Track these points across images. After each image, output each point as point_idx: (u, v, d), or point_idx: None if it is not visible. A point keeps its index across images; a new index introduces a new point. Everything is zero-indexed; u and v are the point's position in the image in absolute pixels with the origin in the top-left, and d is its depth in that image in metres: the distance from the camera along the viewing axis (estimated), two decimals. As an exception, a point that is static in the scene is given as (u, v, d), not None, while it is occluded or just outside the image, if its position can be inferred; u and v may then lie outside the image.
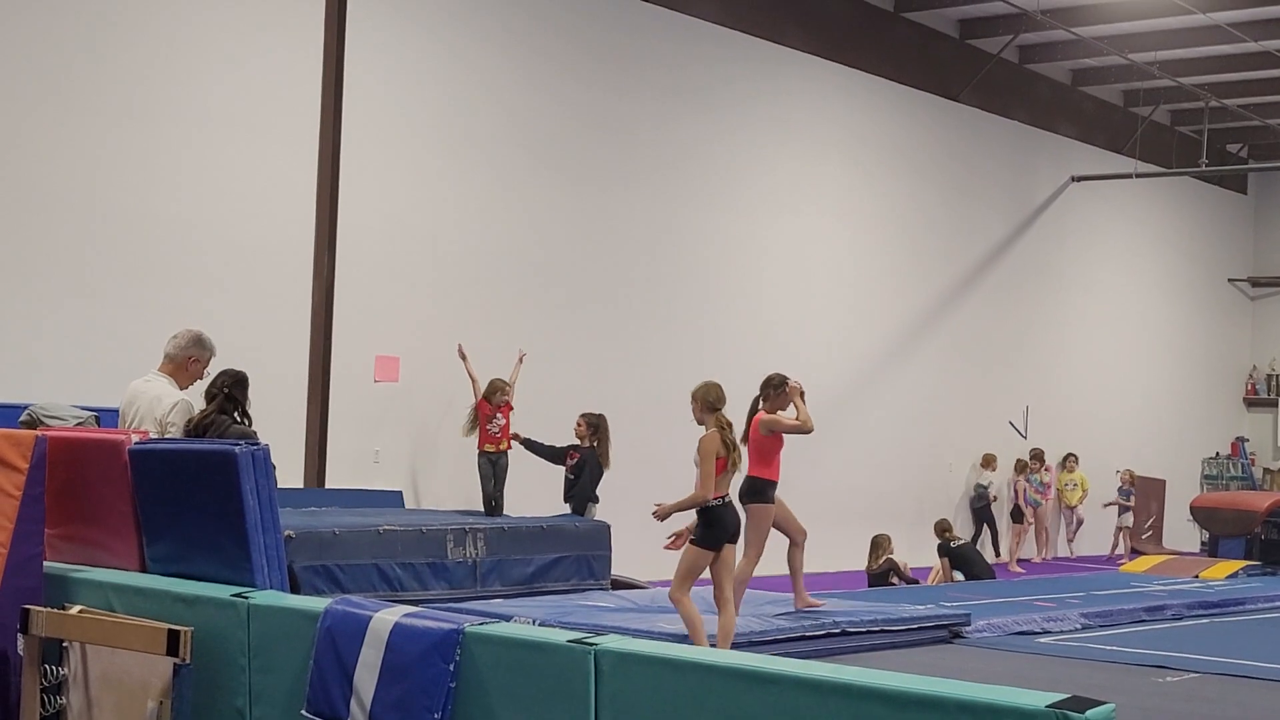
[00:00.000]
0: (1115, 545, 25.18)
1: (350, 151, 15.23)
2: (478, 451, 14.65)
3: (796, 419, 11.32)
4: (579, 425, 15.00)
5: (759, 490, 11.12)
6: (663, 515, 10.14)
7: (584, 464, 14.80)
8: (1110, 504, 25.26)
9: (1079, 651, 11.35)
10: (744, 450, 10.60)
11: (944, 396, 23.31)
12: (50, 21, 13.34)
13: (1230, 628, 13.31)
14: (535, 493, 15.19)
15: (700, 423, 10.21)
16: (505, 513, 14.46)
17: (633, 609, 11.52)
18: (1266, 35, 22.48)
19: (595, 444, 14.80)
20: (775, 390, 11.33)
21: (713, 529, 9.80)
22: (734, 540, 10.00)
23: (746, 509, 10.90)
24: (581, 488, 14.80)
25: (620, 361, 18.24)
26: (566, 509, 14.84)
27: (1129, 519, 25.09)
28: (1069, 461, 25.11)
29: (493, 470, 14.54)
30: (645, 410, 17.97)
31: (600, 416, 14.94)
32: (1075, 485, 25.02)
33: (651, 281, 18.73)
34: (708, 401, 10.00)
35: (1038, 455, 24.16)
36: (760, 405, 11.33)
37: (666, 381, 18.70)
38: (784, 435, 11.26)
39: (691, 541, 9.83)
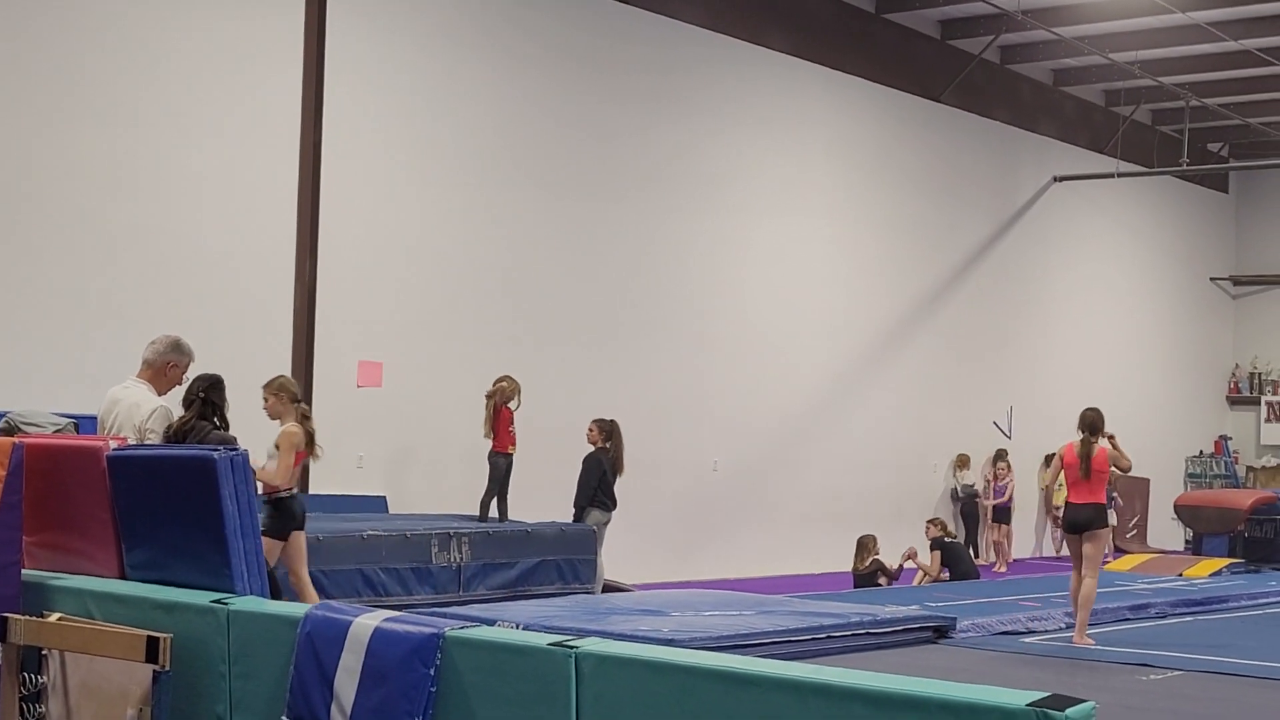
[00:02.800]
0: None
1: (331, 157, 15.23)
2: (500, 453, 14.50)
3: (1125, 459, 12.37)
4: (590, 430, 14.97)
5: (1103, 515, 12.13)
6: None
7: (587, 467, 14.75)
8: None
9: (1063, 651, 11.36)
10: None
11: (928, 397, 23.33)
12: (31, 31, 13.29)
13: (1214, 625, 13.34)
14: (527, 497, 15.13)
15: (275, 416, 10.55)
16: (492, 516, 14.41)
17: (617, 611, 11.49)
18: (1246, 34, 22.53)
19: (608, 449, 14.76)
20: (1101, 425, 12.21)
21: (282, 518, 10.20)
22: (301, 526, 10.47)
23: (1092, 534, 11.87)
24: (581, 492, 14.74)
25: (606, 367, 18.23)
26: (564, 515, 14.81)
27: (1111, 518, 25.11)
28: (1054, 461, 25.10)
29: (507, 472, 14.46)
30: (633, 415, 17.94)
31: (612, 422, 14.94)
32: (1061, 485, 25.02)
33: (636, 286, 18.71)
34: (290, 392, 10.43)
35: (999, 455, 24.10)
36: (1090, 438, 12.09)
37: (653, 386, 18.75)
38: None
39: (264, 533, 10.01)
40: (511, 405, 14.51)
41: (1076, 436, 12.22)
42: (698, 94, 19.49)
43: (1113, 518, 25.10)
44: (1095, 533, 11.92)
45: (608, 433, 14.86)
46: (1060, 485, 22.99)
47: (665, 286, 19.09)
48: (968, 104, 23.95)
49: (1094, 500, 11.97)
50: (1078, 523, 12.04)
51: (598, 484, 14.70)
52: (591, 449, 14.89)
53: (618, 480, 14.90)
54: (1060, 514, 24.95)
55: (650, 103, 18.88)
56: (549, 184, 17.66)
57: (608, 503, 14.74)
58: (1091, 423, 12.18)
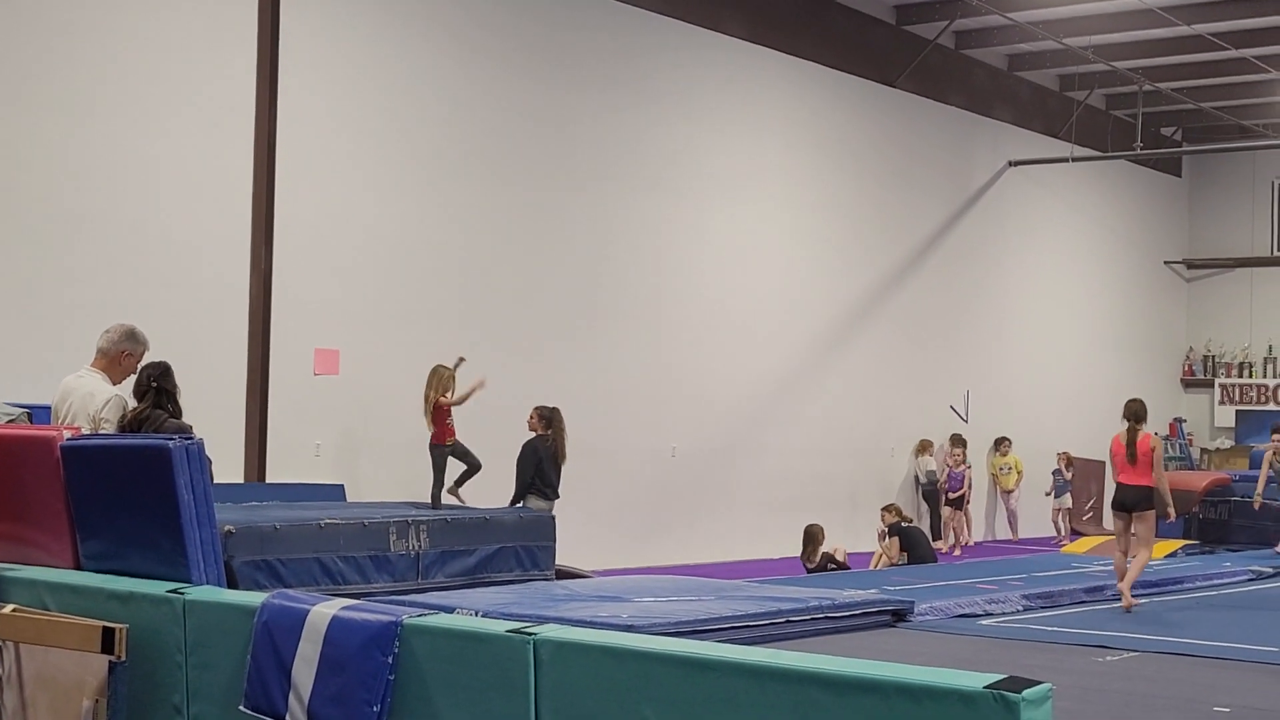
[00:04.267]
0: (1057, 527, 25.20)
1: (286, 144, 15.15)
2: (438, 445, 14.46)
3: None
4: (531, 418, 14.89)
5: (1149, 496, 13.04)
6: None
7: (523, 455, 14.68)
8: (1049, 493, 25.38)
9: (1020, 633, 11.40)
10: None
11: (885, 381, 23.40)
12: (-22, 15, 13.18)
13: (1169, 606, 13.41)
14: (484, 484, 15.09)
15: None
16: (448, 504, 14.38)
17: (576, 598, 11.47)
18: (1199, 19, 22.65)
19: (548, 437, 14.66)
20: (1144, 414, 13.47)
21: None
22: None
23: (1141, 514, 12.92)
24: (517, 480, 14.66)
25: (564, 353, 18.21)
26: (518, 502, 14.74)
27: (1067, 500, 25.19)
28: (1002, 445, 25.09)
29: (444, 462, 14.41)
30: (591, 401, 17.97)
31: (554, 410, 14.80)
32: (1009, 469, 24.98)
33: (595, 272, 18.70)
34: None
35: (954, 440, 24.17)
36: (1136, 425, 13.22)
37: (612, 371, 18.75)
38: None
39: None
40: (447, 395, 14.45)
41: (1122, 426, 13.35)
42: (653, 80, 19.47)
43: (1069, 500, 25.30)
44: (1143, 513, 12.97)
45: (548, 420, 14.72)
46: (1005, 469, 23.12)
47: (622, 272, 19.08)
48: (923, 89, 24.00)
49: (1142, 482, 12.99)
50: (1126, 503, 13.04)
51: (534, 472, 14.56)
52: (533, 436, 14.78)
53: (563, 467, 14.74)
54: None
55: (605, 89, 18.85)
56: (505, 171, 17.62)
57: (547, 491, 14.57)
58: (1136, 412, 13.35)
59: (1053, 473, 25.36)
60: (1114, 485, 13.31)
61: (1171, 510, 13.55)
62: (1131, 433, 13.16)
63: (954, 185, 25.09)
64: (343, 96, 16.02)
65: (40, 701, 6.11)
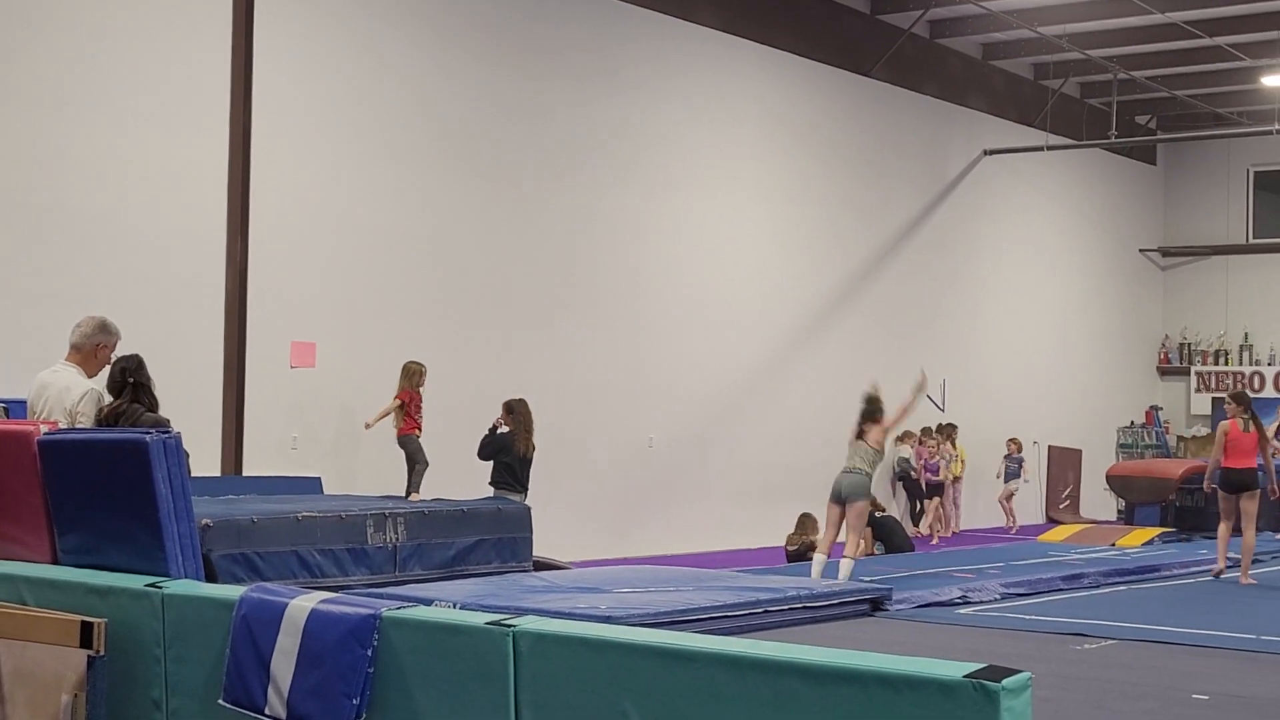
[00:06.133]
0: (1007, 515, 24.88)
1: (261, 137, 15.12)
2: (405, 435, 14.43)
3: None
4: (501, 411, 14.84)
5: (1256, 477, 14.28)
6: None
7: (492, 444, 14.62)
8: (1010, 484, 25.13)
9: (998, 621, 11.43)
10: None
11: (861, 371, 23.28)
12: (-50, 8, 13.11)
13: (1146, 594, 13.48)
14: (459, 477, 15.09)
15: None
16: (423, 496, 14.36)
17: (554, 589, 11.48)
18: (1173, 7, 22.69)
19: (512, 430, 14.57)
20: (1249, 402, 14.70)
21: None
22: None
23: (1250, 493, 14.16)
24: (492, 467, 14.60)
25: (541, 345, 18.20)
26: (491, 492, 14.69)
27: (1015, 485, 24.88)
28: (949, 433, 24.87)
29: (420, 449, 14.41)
30: (568, 393, 17.96)
31: (519, 401, 14.70)
32: (954, 457, 24.78)
33: (569, 264, 18.69)
34: None
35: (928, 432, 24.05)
36: (1246, 414, 14.32)
37: (588, 362, 18.75)
38: None
39: None
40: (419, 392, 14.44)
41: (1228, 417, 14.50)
42: (628, 70, 19.45)
43: (1015, 485, 25.10)
44: (1253, 492, 14.23)
45: (511, 411, 14.63)
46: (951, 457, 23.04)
47: (598, 263, 19.07)
48: (898, 78, 24.02)
49: (1249, 465, 14.22)
50: (1238, 483, 14.24)
51: (501, 467, 14.50)
52: (505, 430, 14.70)
53: (533, 460, 14.67)
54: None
55: (580, 80, 18.83)
56: (480, 162, 17.59)
57: (514, 484, 14.51)
58: (1247, 402, 14.49)
59: (1005, 458, 25.09)
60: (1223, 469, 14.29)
61: (1276, 486, 14.71)
62: (1245, 422, 14.23)
63: (929, 174, 25.12)
64: (318, 88, 15.97)
65: (19, 696, 6.09)
